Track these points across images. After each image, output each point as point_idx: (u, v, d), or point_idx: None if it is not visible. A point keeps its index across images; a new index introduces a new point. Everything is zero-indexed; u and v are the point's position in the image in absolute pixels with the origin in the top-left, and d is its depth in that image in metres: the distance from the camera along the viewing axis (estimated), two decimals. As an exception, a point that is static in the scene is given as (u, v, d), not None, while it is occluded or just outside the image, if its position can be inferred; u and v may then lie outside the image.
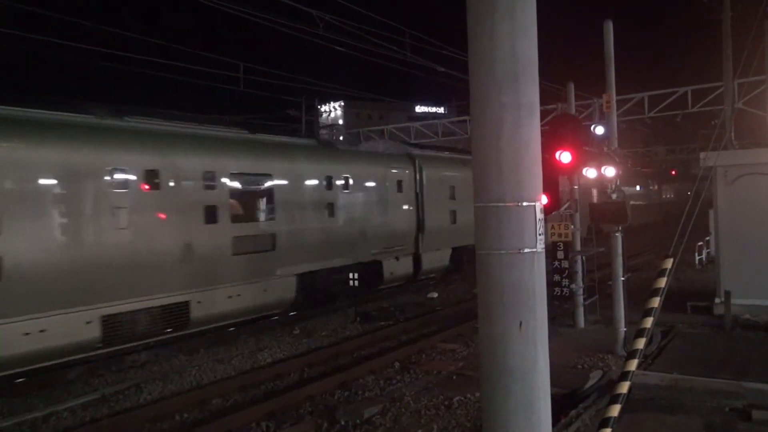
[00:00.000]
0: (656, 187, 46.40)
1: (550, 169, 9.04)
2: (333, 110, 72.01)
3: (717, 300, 12.63)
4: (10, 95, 11.17)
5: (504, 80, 3.26)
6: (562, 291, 12.10)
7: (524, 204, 3.30)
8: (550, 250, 11.73)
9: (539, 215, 3.36)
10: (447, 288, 18.77)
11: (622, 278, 10.87)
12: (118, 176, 10.76)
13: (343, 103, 73.21)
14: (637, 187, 41.37)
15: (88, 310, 10.10)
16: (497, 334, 3.34)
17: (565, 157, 9.32)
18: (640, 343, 5.00)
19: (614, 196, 11.13)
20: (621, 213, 10.60)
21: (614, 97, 11.36)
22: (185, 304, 11.59)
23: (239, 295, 12.58)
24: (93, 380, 10.27)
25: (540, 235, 3.36)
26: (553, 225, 11.92)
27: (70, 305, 9.83)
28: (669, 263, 5.11)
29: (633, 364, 4.95)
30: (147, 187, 11.24)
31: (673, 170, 54.34)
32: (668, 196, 48.51)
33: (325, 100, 62.87)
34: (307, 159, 15.08)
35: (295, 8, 15.68)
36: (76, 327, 9.93)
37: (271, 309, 13.83)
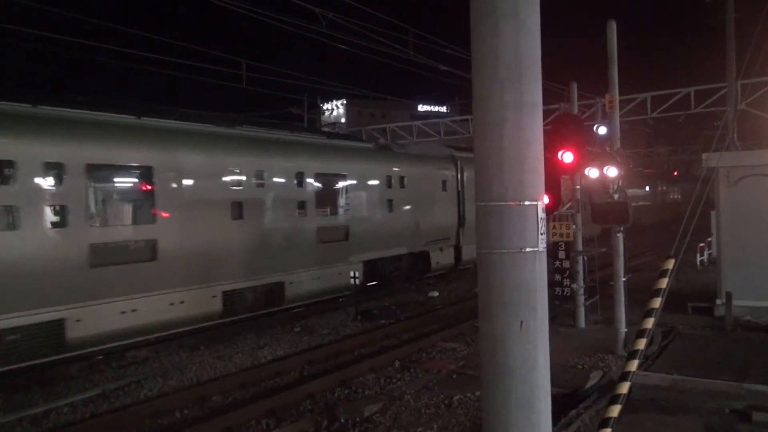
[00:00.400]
0: (664, 188, 49.51)
1: (552, 168, 9.04)
2: (335, 108, 72.01)
3: (718, 301, 12.61)
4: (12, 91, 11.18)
5: (507, 79, 3.26)
6: (563, 291, 12.12)
7: (526, 203, 3.30)
8: (552, 249, 11.73)
9: (541, 215, 3.35)
10: (448, 287, 18.77)
11: (624, 278, 10.86)
12: (235, 176, 12.94)
13: (345, 101, 73.19)
14: (647, 188, 44.28)
15: (214, 286, 12.24)
16: (498, 333, 3.34)
17: (567, 156, 9.33)
18: (641, 344, 4.99)
19: (616, 196, 11.10)
20: (623, 213, 10.58)
21: (617, 98, 11.31)
22: (281, 284, 13.66)
23: (319, 278, 14.73)
24: (93, 376, 10.29)
25: (541, 234, 3.36)
26: (554, 225, 11.93)
27: (202, 282, 11.96)
28: (670, 264, 5.11)
29: (633, 365, 4.95)
30: (256, 185, 13.32)
31: (675, 171, 55.13)
32: (675, 196, 51.39)
33: (328, 98, 62.90)
34: (371, 161, 17.29)
35: (298, 6, 15.68)
36: (205, 300, 12.07)
37: (343, 291, 15.56)
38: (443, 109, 71.90)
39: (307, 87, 29.76)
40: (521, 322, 3.29)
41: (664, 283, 5.04)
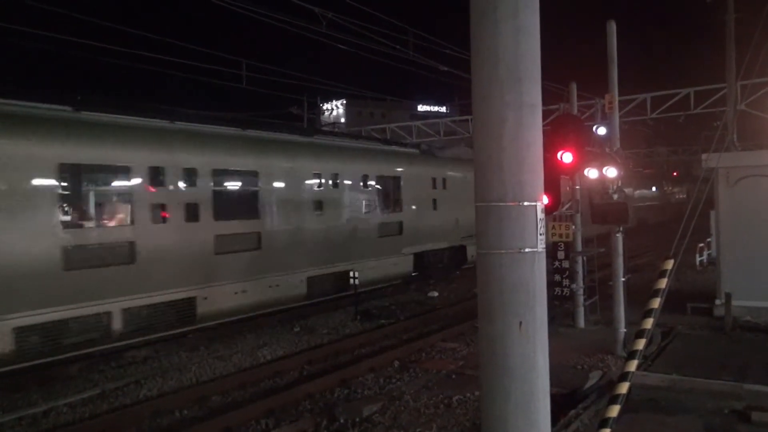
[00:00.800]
0: (670, 188, 53.36)
1: (551, 169, 9.02)
2: (335, 108, 72.01)
3: (717, 301, 12.62)
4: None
5: (507, 80, 3.26)
6: (562, 291, 12.11)
7: (525, 204, 3.29)
8: (551, 250, 11.73)
9: (540, 215, 3.35)
10: (447, 287, 18.77)
11: (623, 279, 10.87)
12: (316, 179, 15.00)
13: (345, 101, 73.18)
14: (653, 188, 47.90)
15: (301, 272, 14.37)
16: (497, 333, 3.34)
17: (566, 157, 9.31)
18: (640, 344, 4.99)
19: (615, 196, 11.10)
20: (622, 213, 10.59)
21: (617, 98, 11.32)
22: (350, 272, 15.24)
23: (379, 267, 16.80)
24: (93, 376, 10.28)
25: (541, 234, 3.35)
26: (554, 225, 11.93)
27: (293, 269, 14.15)
28: (669, 264, 5.11)
29: (633, 365, 4.95)
30: (333, 186, 15.47)
31: (675, 172, 56.25)
32: (681, 196, 55.13)
33: (328, 98, 62.87)
34: (419, 164, 19.34)
35: (298, 6, 15.68)
36: (295, 284, 14.20)
37: (396, 279, 18.04)
38: (443, 109, 71.98)
39: (307, 87, 29.73)
40: (520, 323, 3.28)
41: (663, 283, 5.04)
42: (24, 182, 9.72)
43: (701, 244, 20.60)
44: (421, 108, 75.75)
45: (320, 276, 14.96)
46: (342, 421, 8.03)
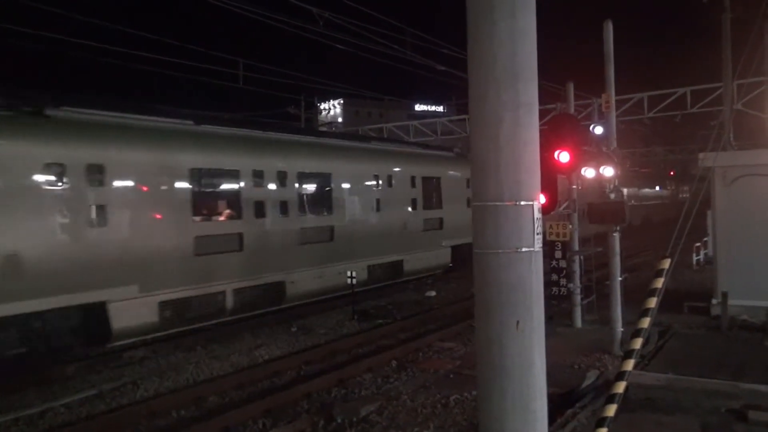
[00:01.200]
0: (674, 187, 55.74)
1: (548, 168, 9.05)
2: (332, 108, 71.99)
3: (714, 301, 12.64)
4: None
5: (503, 79, 3.26)
6: (559, 290, 12.11)
7: (522, 203, 3.29)
8: (548, 249, 11.74)
9: (537, 214, 3.35)
10: (445, 287, 18.77)
11: (620, 278, 10.88)
12: (375, 180, 17.34)
13: (342, 101, 73.16)
14: (657, 188, 50.10)
15: (363, 261, 16.45)
16: (494, 333, 3.34)
17: (563, 156, 9.33)
18: (637, 343, 4.99)
19: (612, 195, 11.12)
20: (619, 213, 10.60)
21: (613, 97, 11.34)
22: (401, 262, 18.03)
23: (423, 258, 18.79)
24: (90, 376, 10.25)
25: (538, 234, 3.35)
26: (551, 224, 11.93)
27: (358, 258, 16.15)
28: (666, 264, 5.11)
29: (630, 364, 4.95)
30: (388, 186, 17.63)
31: (672, 171, 56.80)
32: (684, 195, 56.23)
33: (325, 98, 62.85)
34: (455, 166, 20.87)
35: (295, 5, 15.67)
36: (358, 271, 15.44)
37: (437, 269, 19.99)
38: (440, 108, 71.93)
39: (304, 86, 29.73)
40: (517, 322, 3.28)
41: (660, 282, 5.04)
42: (168, 183, 11.87)
43: (698, 244, 20.63)
44: (418, 107, 75.77)
45: (378, 264, 17.27)
46: (339, 421, 8.03)
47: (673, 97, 23.51)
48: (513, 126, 3.27)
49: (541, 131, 3.51)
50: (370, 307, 15.57)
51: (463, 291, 17.54)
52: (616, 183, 11.19)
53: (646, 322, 4.97)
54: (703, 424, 7.12)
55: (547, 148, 9.01)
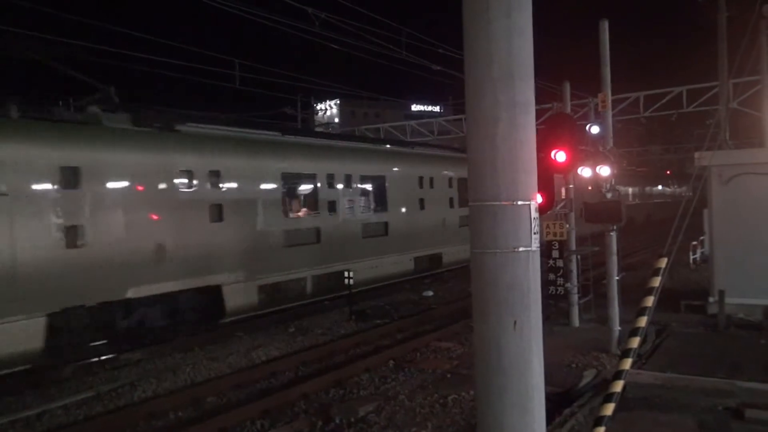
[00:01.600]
0: (676, 186, 56.13)
1: (545, 168, 9.04)
2: (329, 108, 71.93)
3: (711, 299, 12.66)
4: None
5: (500, 79, 3.26)
6: (557, 290, 12.14)
7: (519, 203, 3.29)
8: (545, 249, 11.75)
9: (534, 214, 3.35)
10: (442, 286, 18.79)
11: (617, 277, 10.89)
12: (420, 182, 18.97)
13: (338, 101, 73.13)
14: (659, 187, 50.87)
15: (410, 253, 18.30)
16: (492, 332, 3.34)
17: (560, 156, 9.32)
18: (634, 342, 5.01)
19: (609, 195, 11.12)
20: (616, 212, 10.60)
21: (610, 97, 11.35)
22: (440, 255, 19.68)
23: (458, 252, 19.77)
24: (87, 378, 10.24)
25: (535, 234, 3.35)
26: (548, 224, 11.94)
27: (406, 250, 18.11)
28: (663, 263, 5.13)
29: (627, 363, 4.97)
30: (430, 187, 19.35)
31: (668, 170, 56.85)
32: (685, 194, 55.69)
33: (321, 98, 62.80)
34: None
35: (290, 6, 15.67)
36: (406, 262, 18.17)
37: (467, 262, 20.47)
38: (436, 108, 71.98)
39: (300, 87, 29.72)
40: (515, 322, 3.28)
41: (657, 281, 5.06)
42: (265, 185, 13.85)
43: (694, 242, 20.66)
44: (414, 107, 75.75)
45: (422, 256, 18.95)
46: (337, 421, 8.03)
47: (669, 96, 23.58)
48: (510, 126, 3.27)
49: (537, 131, 3.51)
50: (367, 308, 15.56)
51: (460, 291, 17.55)
52: (613, 182, 11.20)
53: (643, 321, 4.99)
54: (700, 422, 7.13)
55: (543, 147, 9.01)
